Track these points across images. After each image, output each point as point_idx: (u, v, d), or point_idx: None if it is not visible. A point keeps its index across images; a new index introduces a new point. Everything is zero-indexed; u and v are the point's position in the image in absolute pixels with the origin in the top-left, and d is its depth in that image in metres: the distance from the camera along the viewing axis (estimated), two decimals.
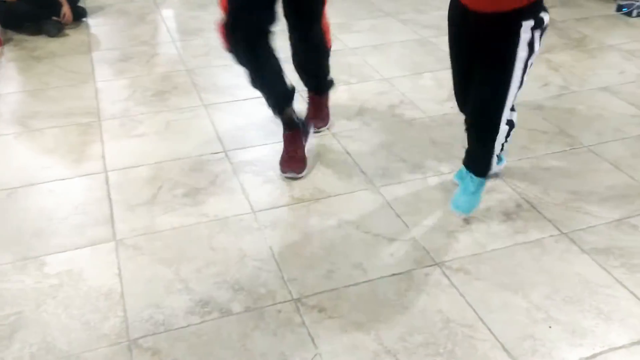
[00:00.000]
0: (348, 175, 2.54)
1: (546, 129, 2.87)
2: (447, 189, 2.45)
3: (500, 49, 1.97)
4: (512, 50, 1.94)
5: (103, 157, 2.68)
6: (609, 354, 1.73)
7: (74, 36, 4.06)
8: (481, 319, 1.84)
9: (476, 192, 2.26)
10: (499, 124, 2.11)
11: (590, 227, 2.23)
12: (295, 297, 1.94)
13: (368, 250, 2.13)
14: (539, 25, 1.93)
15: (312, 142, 2.73)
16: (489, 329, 1.81)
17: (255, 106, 3.08)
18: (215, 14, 4.23)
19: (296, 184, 2.48)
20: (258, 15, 2.23)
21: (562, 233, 2.20)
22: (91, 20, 4.31)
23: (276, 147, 2.73)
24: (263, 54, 2.33)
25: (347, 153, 2.69)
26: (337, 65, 3.31)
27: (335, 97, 3.04)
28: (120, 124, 2.94)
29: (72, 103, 3.14)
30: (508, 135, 2.21)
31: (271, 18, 2.27)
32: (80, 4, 4.30)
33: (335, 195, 2.42)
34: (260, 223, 2.27)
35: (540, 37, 1.97)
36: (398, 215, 2.30)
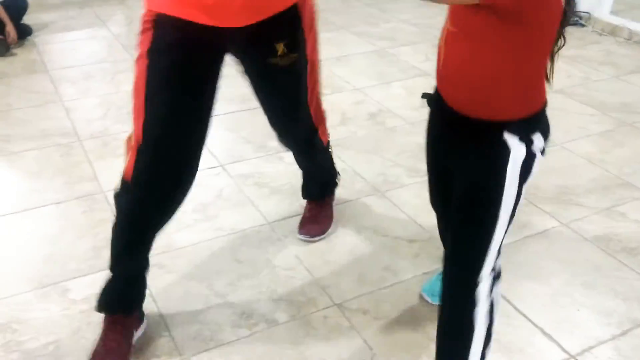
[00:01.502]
0: (350, 183, 2.60)
1: None
2: None
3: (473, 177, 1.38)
4: (495, 180, 1.33)
5: (96, 177, 2.58)
6: (636, 330, 1.88)
7: (22, 55, 3.86)
8: (515, 307, 1.95)
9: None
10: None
11: (585, 217, 2.42)
12: (336, 302, 1.96)
13: (392, 252, 2.20)
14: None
15: None
16: (525, 316, 1.92)
17: (237, 120, 3.08)
18: None
19: (300, 194, 2.51)
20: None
21: (563, 224, 2.37)
22: (37, 38, 4.12)
23: (270, 159, 2.75)
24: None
25: (343, 161, 2.75)
26: None
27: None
28: (103, 143, 2.84)
29: (45, 124, 3.00)
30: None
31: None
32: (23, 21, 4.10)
33: (343, 203, 2.47)
34: (279, 233, 2.28)
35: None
36: (411, 218, 2.39)
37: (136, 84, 1.58)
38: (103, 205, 2.40)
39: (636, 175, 2.72)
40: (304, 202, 2.45)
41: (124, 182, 1.63)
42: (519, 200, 1.37)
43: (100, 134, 2.91)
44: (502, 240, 1.43)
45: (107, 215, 2.34)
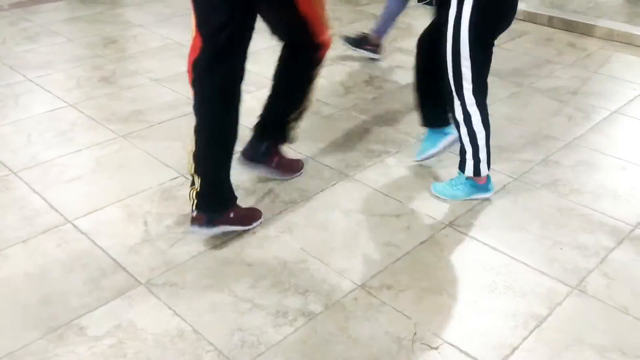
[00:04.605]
0: (318, 172, 2.66)
1: None
2: (406, 164, 2.73)
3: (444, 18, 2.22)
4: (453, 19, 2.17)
5: (53, 208, 2.38)
6: (615, 252, 2.19)
7: None
8: (511, 257, 2.17)
9: (457, 185, 2.48)
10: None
11: (529, 169, 2.71)
12: (358, 284, 2.04)
13: (385, 229, 2.31)
14: None
15: None
16: (523, 263, 2.14)
17: (176, 128, 2.99)
18: (51, 45, 3.91)
19: (277, 190, 2.53)
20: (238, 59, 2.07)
21: (515, 179, 2.64)
22: None
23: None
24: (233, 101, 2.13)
25: (302, 154, 2.80)
26: None
27: (248, 106, 3.10)
28: (43, 171, 2.62)
29: None
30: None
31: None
32: None
33: (320, 191, 2.53)
34: (275, 230, 2.29)
35: None
36: (387, 195, 2.51)
37: None
38: (76, 235, 2.23)
39: (551, 127, 3.08)
40: (284, 198, 2.48)
41: None
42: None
43: (35, 163, 2.68)
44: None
45: (86, 244, 2.20)
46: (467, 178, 2.44)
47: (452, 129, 2.54)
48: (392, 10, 3.73)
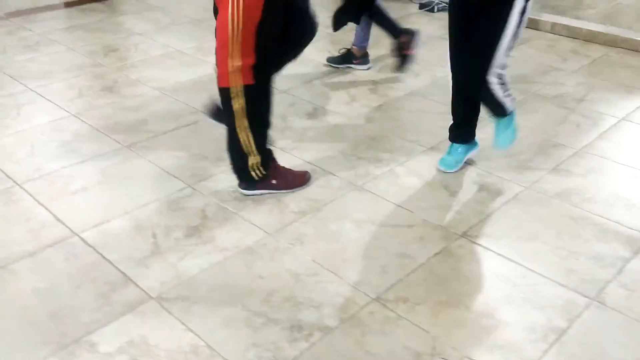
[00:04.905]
0: (327, 182, 2.63)
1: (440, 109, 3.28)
2: (416, 173, 2.70)
3: (494, 14, 2.34)
4: (506, 13, 2.32)
5: (59, 220, 2.34)
6: (631, 263, 2.16)
7: None
8: (527, 268, 2.14)
9: (509, 126, 2.65)
10: (486, 80, 2.44)
11: (540, 178, 2.68)
12: (373, 297, 2.00)
13: (398, 240, 2.28)
14: None
15: (279, 162, 2.75)
16: (539, 273, 2.11)
17: (180, 137, 2.96)
18: (51, 54, 3.87)
19: (287, 200, 2.49)
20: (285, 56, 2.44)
21: (526, 187, 2.62)
22: None
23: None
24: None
25: (310, 163, 2.76)
26: None
27: None
28: (48, 183, 2.57)
29: None
30: (502, 81, 2.50)
31: None
32: None
33: (330, 202, 2.49)
34: (286, 242, 2.25)
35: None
36: (397, 205, 2.48)
37: None
38: (84, 248, 2.19)
39: (560, 135, 3.06)
40: (293, 208, 2.44)
41: None
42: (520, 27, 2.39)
43: (39, 174, 2.63)
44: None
45: (94, 257, 2.15)
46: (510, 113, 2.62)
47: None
48: (368, 19, 3.63)
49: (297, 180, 2.59)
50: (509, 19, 2.33)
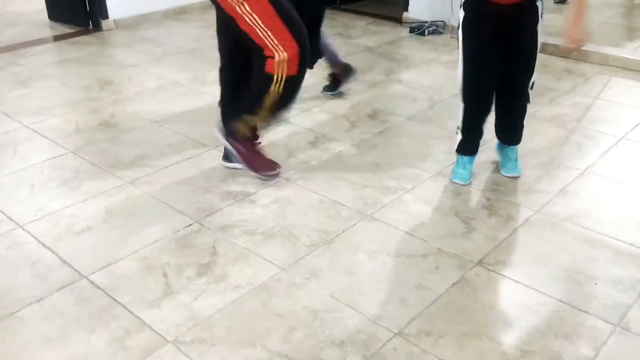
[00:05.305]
0: (336, 212, 2.60)
1: (441, 134, 3.28)
2: (425, 200, 2.68)
3: (528, 29, 2.56)
4: (535, 27, 2.56)
5: (66, 263, 2.27)
6: None
7: None
8: (546, 294, 2.11)
9: (517, 158, 2.89)
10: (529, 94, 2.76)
11: (549, 200, 2.68)
12: (395, 331, 1.96)
13: (414, 271, 2.24)
14: None
15: (280, 192, 2.73)
16: (559, 300, 2.09)
17: (183, 171, 2.91)
18: (45, 89, 3.82)
19: (297, 232, 2.45)
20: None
21: (536, 211, 2.60)
22: None
23: (242, 204, 2.65)
24: None
25: (316, 193, 2.73)
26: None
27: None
28: (51, 223, 2.51)
29: None
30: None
31: None
32: None
33: (341, 233, 2.46)
34: (300, 277, 2.21)
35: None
36: (410, 234, 2.45)
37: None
38: (95, 292, 2.13)
39: (563, 156, 3.07)
40: (304, 241, 2.41)
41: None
42: None
43: (41, 215, 2.57)
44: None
45: (104, 300, 2.09)
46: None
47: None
48: (326, 43, 3.59)
49: (264, 164, 2.82)
50: (538, 27, 2.57)
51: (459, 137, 2.81)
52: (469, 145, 2.82)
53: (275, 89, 2.54)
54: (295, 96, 2.68)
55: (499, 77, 2.65)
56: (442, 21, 5.12)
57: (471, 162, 2.86)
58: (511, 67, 2.63)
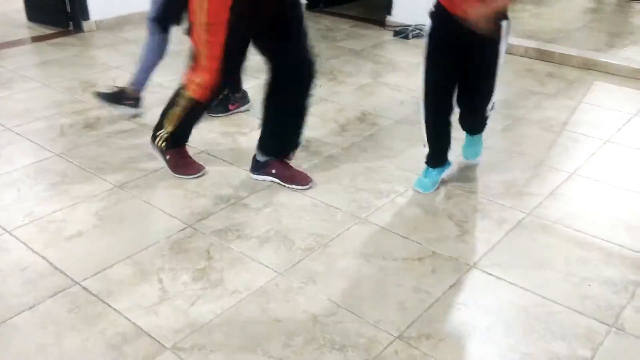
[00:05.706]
0: (330, 216, 2.59)
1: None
2: (417, 203, 2.69)
3: (488, 48, 2.52)
4: (497, 47, 2.53)
5: (57, 269, 2.23)
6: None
7: None
8: (542, 297, 2.13)
9: (478, 143, 2.98)
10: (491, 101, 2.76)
11: (539, 203, 2.70)
12: (395, 335, 1.96)
13: (411, 274, 2.25)
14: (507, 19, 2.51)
15: (273, 196, 2.71)
16: (556, 302, 2.11)
17: (173, 175, 2.87)
18: (27, 91, 3.75)
19: (292, 236, 2.44)
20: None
21: (528, 214, 2.63)
22: None
23: (236, 208, 2.63)
24: None
25: (310, 196, 2.72)
26: (228, 120, 3.31)
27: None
28: (40, 228, 2.46)
29: None
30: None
31: None
32: None
33: (336, 236, 2.45)
34: (298, 281, 2.19)
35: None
36: (404, 237, 2.46)
37: None
38: (88, 298, 2.09)
39: (551, 159, 3.11)
40: (300, 245, 2.40)
41: None
42: None
43: (29, 220, 2.51)
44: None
45: (100, 308, 2.05)
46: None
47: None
48: (150, 60, 3.40)
49: (187, 167, 2.88)
50: (500, 45, 2.53)
51: (426, 149, 2.80)
52: (435, 157, 2.79)
53: (180, 101, 2.68)
54: (194, 123, 2.79)
55: (458, 93, 2.66)
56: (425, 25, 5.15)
57: (440, 173, 2.83)
58: (469, 85, 2.64)
